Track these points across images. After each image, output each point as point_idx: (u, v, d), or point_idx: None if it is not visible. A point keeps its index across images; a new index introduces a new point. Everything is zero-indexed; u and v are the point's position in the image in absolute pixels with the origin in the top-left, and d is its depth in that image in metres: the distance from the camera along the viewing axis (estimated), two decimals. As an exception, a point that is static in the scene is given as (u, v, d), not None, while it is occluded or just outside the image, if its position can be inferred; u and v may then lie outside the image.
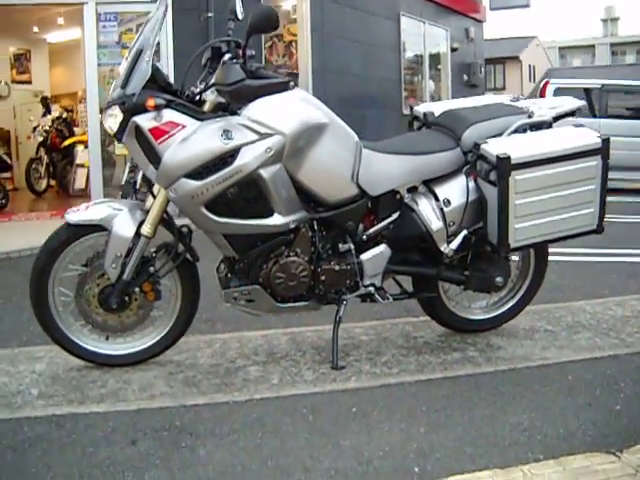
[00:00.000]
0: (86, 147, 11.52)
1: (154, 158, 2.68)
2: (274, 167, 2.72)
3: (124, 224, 2.82)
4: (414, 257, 3.15)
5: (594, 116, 12.35)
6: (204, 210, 2.71)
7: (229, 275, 2.97)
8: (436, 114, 3.36)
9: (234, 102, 2.66)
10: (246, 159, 2.67)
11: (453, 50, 14.79)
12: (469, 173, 3.05)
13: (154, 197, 2.88)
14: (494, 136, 3.03)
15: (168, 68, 8.07)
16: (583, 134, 3.00)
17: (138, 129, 2.66)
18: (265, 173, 2.71)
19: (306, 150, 2.78)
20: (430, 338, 3.47)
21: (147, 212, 2.88)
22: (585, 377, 2.92)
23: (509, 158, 2.80)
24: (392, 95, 12.72)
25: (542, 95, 12.40)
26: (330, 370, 3.03)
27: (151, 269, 2.93)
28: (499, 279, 3.25)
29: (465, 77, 15.31)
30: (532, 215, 2.92)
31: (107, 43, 8.05)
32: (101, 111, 8.10)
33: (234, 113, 2.72)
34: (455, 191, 3.04)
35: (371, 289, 3.05)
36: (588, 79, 13.51)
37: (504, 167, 2.81)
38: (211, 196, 2.68)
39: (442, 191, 3.04)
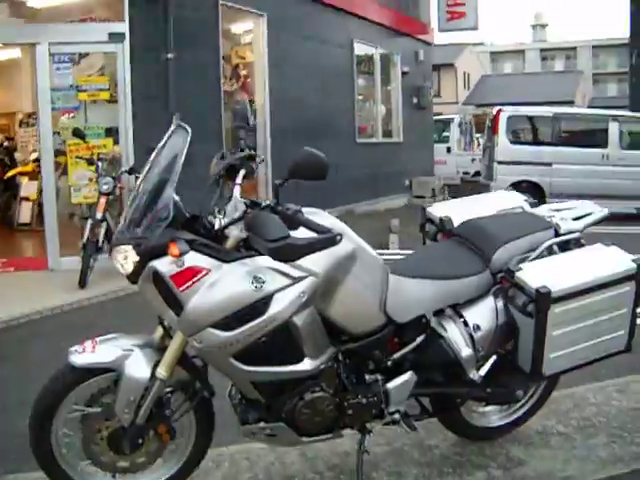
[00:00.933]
0: (30, 179, 11.06)
1: (175, 304, 2.44)
2: (307, 311, 2.53)
3: (138, 367, 2.59)
4: (438, 379, 3.02)
5: (540, 144, 12.56)
6: (232, 360, 2.50)
7: (244, 404, 2.77)
8: (454, 222, 3.24)
9: (272, 258, 2.45)
10: (279, 307, 2.47)
11: (404, 74, 14.82)
12: (497, 295, 2.95)
13: (165, 330, 2.66)
14: (522, 255, 2.94)
15: (126, 109, 7.75)
16: (618, 258, 2.91)
17: (156, 274, 2.43)
18: (298, 320, 2.51)
19: (337, 285, 2.61)
20: (446, 449, 3.36)
21: (160, 350, 2.65)
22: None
23: (550, 293, 2.69)
24: (346, 123, 12.63)
25: (495, 123, 12.53)
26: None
27: (167, 412, 2.70)
28: (520, 392, 3.17)
29: (414, 100, 15.36)
30: (566, 344, 2.83)
31: (61, 86, 7.63)
32: (56, 154, 7.98)
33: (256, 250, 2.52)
34: (484, 315, 2.92)
35: (396, 416, 2.91)
36: (538, 107, 13.70)
37: (544, 302, 2.70)
38: (241, 347, 2.47)
39: (471, 315, 2.91)
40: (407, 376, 2.87)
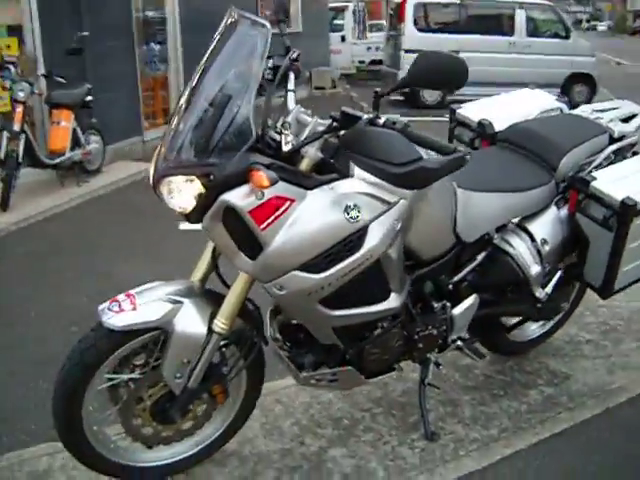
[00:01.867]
0: None
1: (250, 246, 1.96)
2: (399, 241, 2.14)
3: (192, 322, 2.10)
4: (499, 299, 2.75)
5: (447, 32, 12.30)
6: (319, 306, 2.08)
7: (297, 350, 2.39)
8: (496, 126, 2.90)
9: (399, 187, 1.99)
10: (377, 239, 2.03)
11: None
12: (561, 205, 2.68)
13: (224, 283, 2.20)
14: (583, 162, 2.68)
15: (30, 3, 6.58)
16: None
17: (229, 210, 1.94)
18: (393, 252, 2.11)
19: (417, 206, 2.21)
20: (486, 369, 3.16)
21: (208, 298, 2.18)
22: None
23: (637, 204, 2.45)
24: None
25: (401, 10, 12.08)
26: (426, 443, 2.62)
27: (224, 369, 2.27)
28: (565, 304, 3.00)
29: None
30: (636, 257, 2.63)
31: None
32: None
33: (337, 171, 2.06)
34: (551, 228, 2.66)
35: (459, 343, 2.64)
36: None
37: (629, 214, 2.45)
38: (333, 290, 2.05)
39: (538, 229, 2.64)
40: (472, 300, 2.59)
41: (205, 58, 2.04)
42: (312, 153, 2.01)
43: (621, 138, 2.84)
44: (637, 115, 2.95)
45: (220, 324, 2.13)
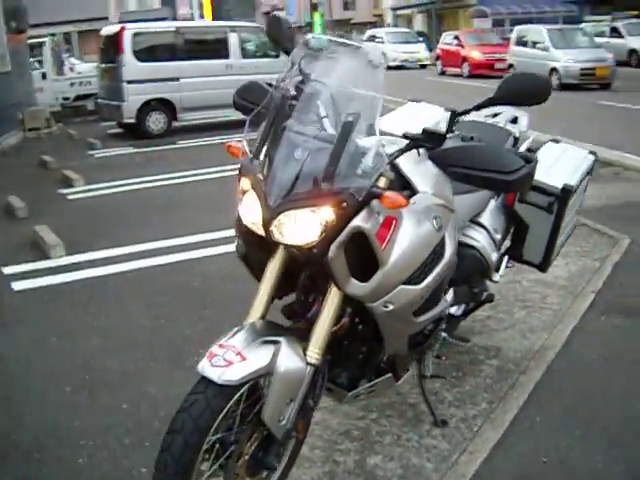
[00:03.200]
0: None
1: (362, 269, 2.01)
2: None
3: (292, 360, 2.05)
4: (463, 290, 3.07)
5: (167, 60, 12.38)
6: (411, 316, 2.19)
7: (339, 371, 2.44)
8: None
9: (506, 193, 2.15)
10: (452, 245, 2.23)
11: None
12: (497, 198, 3.09)
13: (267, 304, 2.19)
14: None
15: None
16: (580, 154, 3.28)
17: (354, 236, 1.96)
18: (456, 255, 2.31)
19: None
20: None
21: (303, 330, 2.16)
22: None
23: (572, 188, 2.94)
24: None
25: (119, 44, 11.86)
26: (440, 430, 2.84)
27: (310, 402, 2.24)
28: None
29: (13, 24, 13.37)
30: (565, 231, 3.15)
31: None
32: None
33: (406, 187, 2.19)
34: (497, 219, 3.05)
35: (445, 334, 2.90)
36: (161, 22, 13.32)
37: (567, 197, 2.94)
38: (425, 299, 2.17)
39: (488, 221, 3.00)
40: (451, 294, 2.87)
41: (288, 89, 2.04)
42: (388, 172, 2.11)
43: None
44: (519, 117, 3.49)
45: (315, 355, 2.11)
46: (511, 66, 20.05)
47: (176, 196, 7.37)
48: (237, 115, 8.37)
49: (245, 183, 2.03)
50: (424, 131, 2.14)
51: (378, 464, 2.66)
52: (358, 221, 1.94)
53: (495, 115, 3.50)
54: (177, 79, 12.14)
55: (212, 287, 4.56)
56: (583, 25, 23.32)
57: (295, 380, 2.07)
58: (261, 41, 13.18)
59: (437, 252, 2.18)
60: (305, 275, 2.20)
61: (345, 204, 1.90)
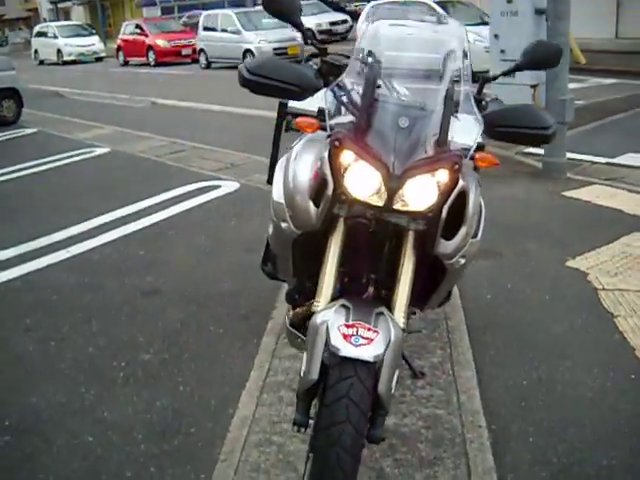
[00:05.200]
0: None
1: (453, 227, 2.13)
2: None
3: (396, 328, 2.01)
4: None
5: None
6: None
7: None
8: None
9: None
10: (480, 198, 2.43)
11: None
12: None
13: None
14: None
15: None
16: None
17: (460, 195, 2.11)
18: None
19: None
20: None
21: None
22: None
23: None
24: None
25: None
26: (431, 389, 3.00)
27: None
28: None
29: None
30: None
31: None
32: None
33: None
34: None
35: None
36: None
37: None
38: None
39: None
40: None
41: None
42: None
43: None
44: None
45: (403, 320, 2.11)
46: (202, 51, 20.47)
47: None
48: None
49: (349, 156, 1.95)
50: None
51: (397, 423, 2.78)
52: (461, 181, 2.04)
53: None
54: None
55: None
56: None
57: (399, 348, 2.07)
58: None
59: (481, 204, 2.36)
60: (389, 248, 2.22)
61: (457, 166, 1.95)
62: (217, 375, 3.22)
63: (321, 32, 23.35)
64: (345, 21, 23.51)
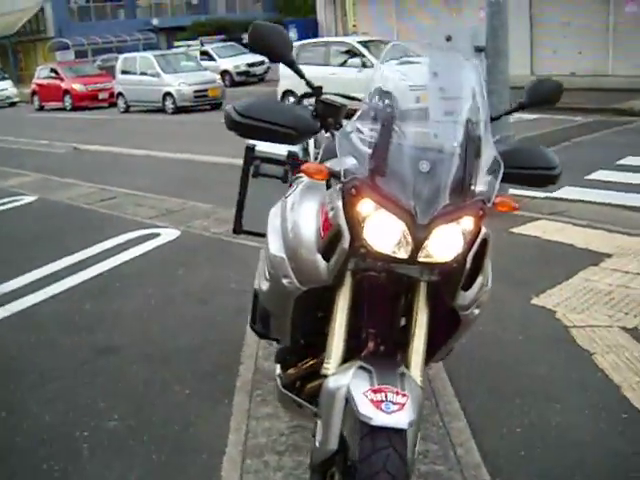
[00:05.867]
0: None
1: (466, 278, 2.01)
2: None
3: (418, 388, 1.90)
4: None
5: None
6: None
7: None
8: None
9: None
10: None
11: None
12: None
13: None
14: None
15: None
16: None
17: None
18: None
19: None
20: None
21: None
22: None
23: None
24: None
25: None
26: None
27: None
28: None
29: None
30: None
31: None
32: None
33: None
34: None
35: None
36: None
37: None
38: None
39: None
40: None
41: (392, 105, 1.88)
42: None
43: None
44: None
45: (420, 379, 1.95)
46: (120, 94, 20.07)
47: None
48: None
49: (368, 205, 1.79)
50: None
51: None
52: (484, 228, 1.92)
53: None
54: None
55: None
56: (181, 50, 24.32)
57: (422, 410, 1.95)
58: None
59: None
60: (399, 301, 2.08)
61: (482, 212, 1.84)
62: (192, 440, 2.98)
63: (239, 74, 23.45)
64: (263, 62, 23.52)
